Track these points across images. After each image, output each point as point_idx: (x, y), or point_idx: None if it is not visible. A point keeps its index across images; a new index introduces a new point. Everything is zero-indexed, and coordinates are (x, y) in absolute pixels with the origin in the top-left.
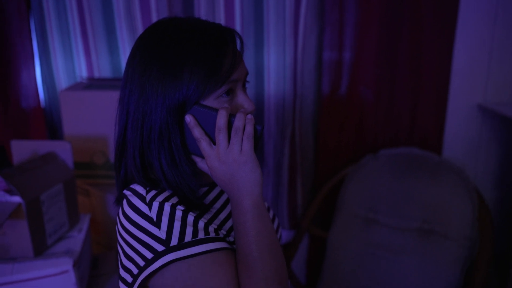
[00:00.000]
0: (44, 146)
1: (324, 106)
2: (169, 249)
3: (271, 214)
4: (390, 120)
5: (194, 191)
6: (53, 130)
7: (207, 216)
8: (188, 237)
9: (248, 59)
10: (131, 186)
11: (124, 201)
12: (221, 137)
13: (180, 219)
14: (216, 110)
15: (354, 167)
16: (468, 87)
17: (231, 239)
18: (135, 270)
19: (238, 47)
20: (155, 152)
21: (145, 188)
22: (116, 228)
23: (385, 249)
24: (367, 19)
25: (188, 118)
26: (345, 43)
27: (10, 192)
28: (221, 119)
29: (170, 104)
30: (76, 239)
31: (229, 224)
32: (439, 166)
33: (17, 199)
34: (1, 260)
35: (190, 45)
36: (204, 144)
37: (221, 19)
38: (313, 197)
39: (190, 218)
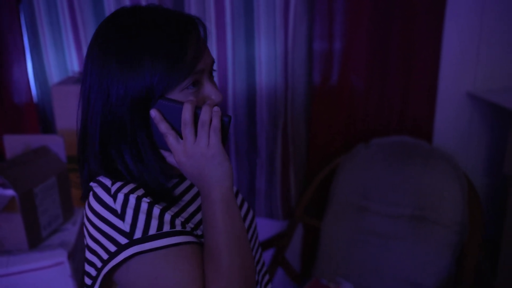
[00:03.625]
0: (36, 140)
1: (316, 96)
2: (132, 242)
3: (245, 208)
4: (381, 109)
5: (162, 184)
6: (47, 124)
7: (175, 209)
8: (152, 230)
9: (239, 51)
10: (98, 178)
11: (91, 193)
12: (187, 131)
13: (145, 211)
14: (181, 104)
15: (346, 157)
16: (458, 75)
17: (199, 232)
18: (98, 264)
19: (202, 35)
20: (117, 147)
21: (111, 179)
22: (83, 221)
23: (378, 236)
24: (357, 8)
25: (153, 113)
26: (335, 32)
27: (3, 185)
28: (187, 113)
29: (133, 98)
30: (71, 231)
31: (198, 217)
32: (430, 154)
33: (10, 192)
34: None
35: (150, 35)
36: (171, 138)
37: (211, 11)
38: (306, 187)
39: (156, 210)
